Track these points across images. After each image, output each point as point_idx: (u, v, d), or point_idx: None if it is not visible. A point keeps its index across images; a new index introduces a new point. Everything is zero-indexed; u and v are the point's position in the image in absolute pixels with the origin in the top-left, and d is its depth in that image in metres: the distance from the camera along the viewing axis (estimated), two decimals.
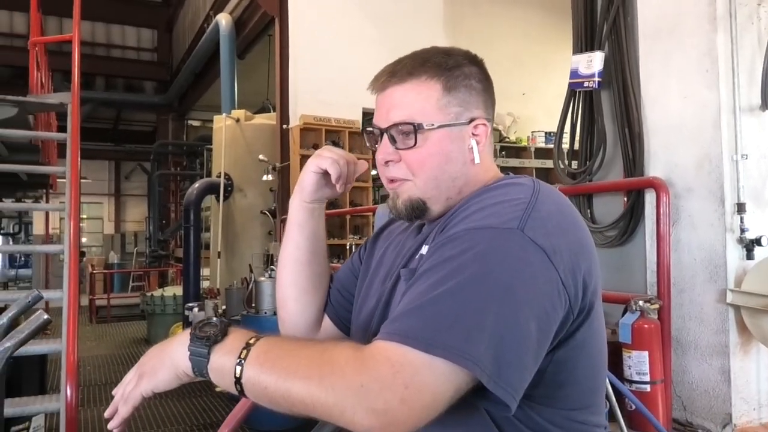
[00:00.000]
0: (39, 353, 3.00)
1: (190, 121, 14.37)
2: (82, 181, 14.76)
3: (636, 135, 2.64)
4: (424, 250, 0.99)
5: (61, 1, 11.41)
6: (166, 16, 14.41)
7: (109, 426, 0.90)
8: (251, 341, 0.82)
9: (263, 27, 7.81)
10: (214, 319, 0.87)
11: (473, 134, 1.00)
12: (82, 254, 13.57)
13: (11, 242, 12.36)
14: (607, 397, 1.95)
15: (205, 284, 8.20)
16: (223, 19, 8.41)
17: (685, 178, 2.49)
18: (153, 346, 0.91)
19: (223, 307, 6.41)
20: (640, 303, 2.32)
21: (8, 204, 4.45)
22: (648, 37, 2.66)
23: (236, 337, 0.83)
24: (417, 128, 0.97)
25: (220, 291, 6.92)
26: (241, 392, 0.81)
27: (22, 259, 15.25)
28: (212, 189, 7.79)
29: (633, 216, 2.68)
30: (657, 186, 2.48)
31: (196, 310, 6.20)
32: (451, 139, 0.99)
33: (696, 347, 2.42)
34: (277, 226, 6.85)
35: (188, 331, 0.85)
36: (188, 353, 0.83)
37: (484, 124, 1.00)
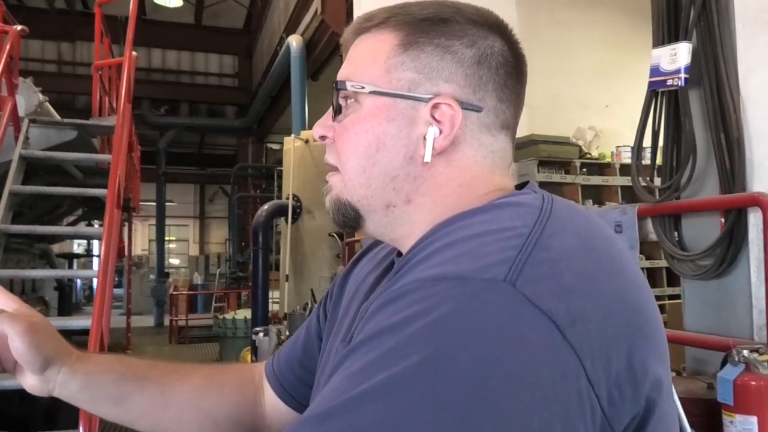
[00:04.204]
0: None
1: (269, 144, 14.66)
2: (167, 204, 15.28)
3: (734, 141, 2.16)
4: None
5: (148, 33, 11.95)
6: (246, 42, 14.86)
7: None
8: None
9: (333, 47, 7.73)
10: None
11: (433, 118, 0.63)
12: (167, 275, 13.99)
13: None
14: None
15: (275, 307, 8.15)
16: (294, 41, 8.44)
17: None
18: None
19: (287, 332, 6.24)
20: (745, 353, 1.82)
21: (39, 227, 4.45)
22: (748, 23, 2.19)
23: None
24: (339, 89, 0.65)
25: (287, 315, 6.80)
26: None
27: (116, 279, 16.06)
28: (281, 211, 7.74)
29: (733, 241, 2.19)
30: (763, 203, 2.01)
31: (261, 335, 6.08)
32: (388, 116, 0.63)
33: None
34: (344, 249, 6.65)
35: None
36: None
37: (449, 105, 0.63)
